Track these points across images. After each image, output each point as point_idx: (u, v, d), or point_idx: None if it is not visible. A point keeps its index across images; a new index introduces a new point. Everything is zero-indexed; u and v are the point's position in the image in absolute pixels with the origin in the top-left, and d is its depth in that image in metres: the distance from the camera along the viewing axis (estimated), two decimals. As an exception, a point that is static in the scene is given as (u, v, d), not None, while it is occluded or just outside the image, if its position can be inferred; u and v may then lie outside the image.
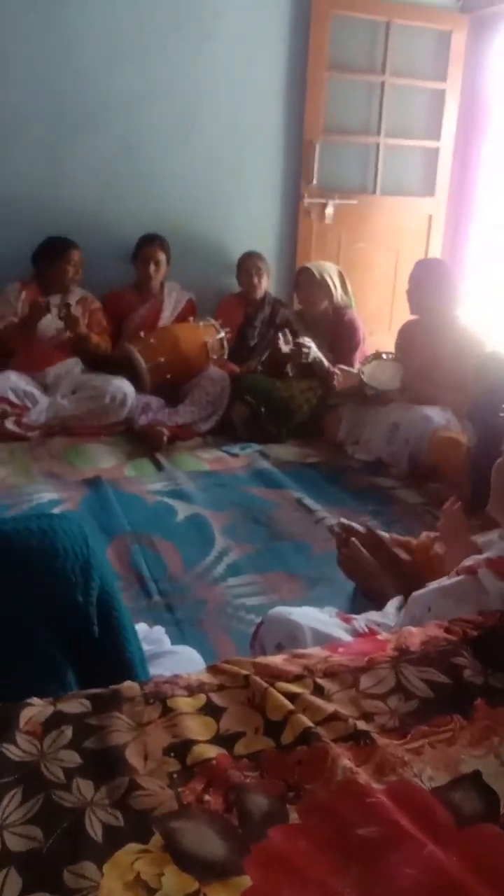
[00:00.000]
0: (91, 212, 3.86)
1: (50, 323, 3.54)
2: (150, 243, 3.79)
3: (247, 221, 4.16)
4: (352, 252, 4.35)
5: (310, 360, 3.60)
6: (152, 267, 3.79)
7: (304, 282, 3.77)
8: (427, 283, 3.30)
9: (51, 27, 3.58)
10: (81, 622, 1.03)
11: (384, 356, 3.47)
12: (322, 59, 4.01)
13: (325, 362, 3.63)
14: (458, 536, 1.80)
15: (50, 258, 3.60)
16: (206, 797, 0.83)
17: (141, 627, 1.75)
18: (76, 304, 3.63)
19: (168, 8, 3.73)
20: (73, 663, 1.04)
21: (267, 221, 4.24)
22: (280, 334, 3.64)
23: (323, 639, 1.48)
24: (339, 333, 3.79)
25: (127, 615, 1.12)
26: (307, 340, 3.62)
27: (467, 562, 1.37)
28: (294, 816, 0.81)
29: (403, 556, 2.01)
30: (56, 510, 2.71)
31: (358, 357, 3.73)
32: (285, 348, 3.58)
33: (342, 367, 3.55)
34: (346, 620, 1.64)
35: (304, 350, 3.57)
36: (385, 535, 2.15)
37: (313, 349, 3.61)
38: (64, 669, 1.03)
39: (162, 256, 3.80)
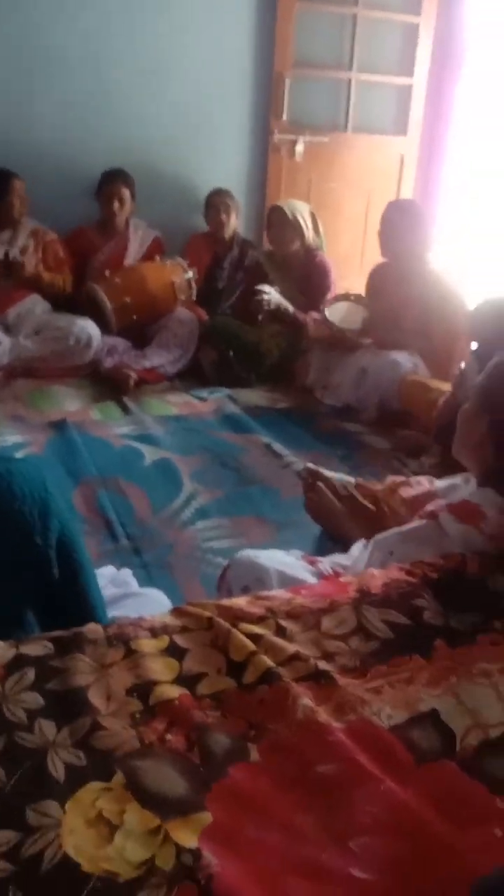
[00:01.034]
0: (56, 148, 3.71)
1: None
2: (113, 179, 3.66)
3: (215, 157, 4.05)
4: (322, 192, 4.26)
5: (271, 307, 3.56)
6: (116, 204, 3.67)
7: (275, 221, 3.70)
8: (398, 225, 3.25)
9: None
10: (40, 564, 1.03)
11: (351, 297, 3.45)
12: (294, -12, 3.86)
13: (290, 308, 3.59)
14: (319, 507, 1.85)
15: None
16: (168, 736, 0.84)
17: (108, 570, 1.76)
18: (25, 242, 3.51)
19: None
20: (33, 605, 1.04)
21: (236, 158, 4.13)
22: (266, 287, 3.58)
23: (289, 581, 1.49)
24: (310, 276, 3.74)
25: (87, 558, 1.11)
26: (265, 288, 3.57)
27: (429, 506, 1.38)
28: (255, 755, 0.83)
29: (368, 505, 2.02)
30: (21, 453, 2.68)
31: (328, 300, 3.69)
32: (272, 305, 3.54)
33: (314, 315, 3.51)
34: (312, 563, 1.66)
35: (264, 297, 3.52)
36: (352, 480, 2.16)
37: (273, 296, 3.56)
38: (24, 611, 1.03)
39: (126, 193, 3.68)
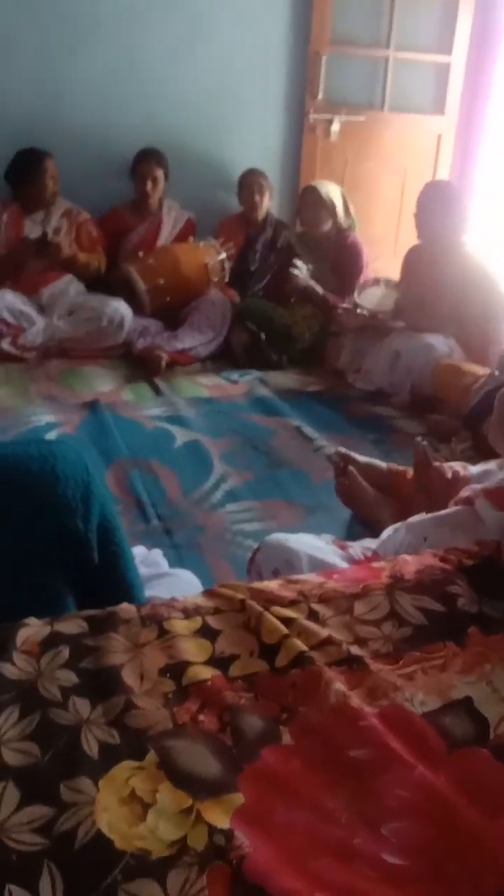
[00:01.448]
0: (90, 127, 3.71)
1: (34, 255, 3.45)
2: (146, 159, 3.65)
3: (250, 138, 4.01)
4: (358, 171, 4.21)
5: (301, 285, 3.54)
6: (149, 184, 3.66)
7: (309, 202, 3.66)
8: (434, 206, 3.20)
9: None
10: (81, 548, 1.03)
11: (381, 282, 3.42)
12: (332, -36, 3.80)
13: (319, 290, 3.56)
14: (434, 489, 1.80)
15: (24, 174, 3.43)
16: (201, 717, 0.85)
17: (139, 550, 1.77)
18: (58, 223, 3.51)
19: None
20: (72, 589, 1.04)
21: (270, 138, 4.08)
22: (299, 265, 3.55)
23: (319, 565, 1.49)
24: (342, 257, 3.70)
25: (126, 543, 1.12)
26: (299, 264, 3.54)
27: (464, 492, 1.36)
28: (287, 738, 0.83)
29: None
30: (54, 433, 2.70)
31: (362, 281, 3.65)
32: (303, 283, 3.52)
33: (346, 306, 3.47)
34: (343, 547, 1.65)
35: (293, 272, 3.50)
36: (383, 464, 2.15)
37: (304, 277, 3.54)
38: (64, 595, 1.03)
39: (159, 173, 3.66)
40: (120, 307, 3.44)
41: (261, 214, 3.87)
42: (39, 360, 3.38)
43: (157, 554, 1.79)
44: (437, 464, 1.99)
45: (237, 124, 3.97)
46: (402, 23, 4.03)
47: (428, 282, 3.25)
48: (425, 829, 0.73)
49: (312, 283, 3.57)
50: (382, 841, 0.72)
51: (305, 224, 3.76)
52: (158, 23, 3.68)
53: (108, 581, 1.08)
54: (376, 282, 3.43)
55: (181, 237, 3.79)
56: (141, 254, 3.61)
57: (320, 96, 4.00)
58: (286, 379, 3.44)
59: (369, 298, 3.36)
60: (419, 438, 2.09)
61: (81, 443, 2.61)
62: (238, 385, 3.33)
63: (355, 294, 3.40)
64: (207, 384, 3.33)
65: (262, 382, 3.36)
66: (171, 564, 1.81)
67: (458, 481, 1.78)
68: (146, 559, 1.72)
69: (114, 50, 3.65)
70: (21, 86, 3.57)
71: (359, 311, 3.33)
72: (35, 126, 3.56)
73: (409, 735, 0.82)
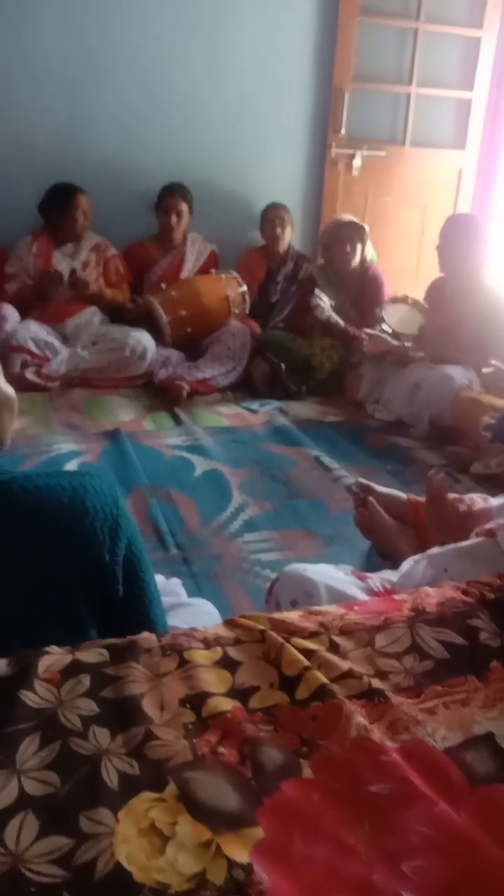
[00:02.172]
0: (114, 160, 3.79)
1: (61, 286, 3.52)
2: (172, 193, 3.72)
3: (272, 172, 4.08)
4: (379, 206, 4.25)
5: (323, 317, 3.56)
6: (174, 218, 3.73)
7: (359, 239, 3.67)
8: (456, 240, 3.22)
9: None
10: (107, 581, 1.03)
11: (409, 300, 3.43)
12: (354, 3, 3.87)
13: (342, 323, 3.59)
14: (447, 520, 1.79)
15: (57, 207, 3.52)
16: (221, 749, 0.84)
17: (157, 579, 1.76)
18: (87, 257, 3.58)
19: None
20: (97, 621, 1.04)
21: (293, 172, 4.15)
22: (320, 297, 3.59)
23: (338, 596, 1.48)
24: (364, 289, 3.73)
25: (151, 576, 1.12)
26: (321, 295, 3.57)
27: (488, 525, 1.36)
28: (307, 771, 0.82)
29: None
30: (75, 462, 2.73)
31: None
32: (324, 316, 3.54)
33: (369, 331, 3.49)
34: (362, 579, 1.65)
35: (316, 304, 3.53)
36: (403, 495, 2.14)
37: (325, 308, 3.56)
38: (88, 627, 1.03)
39: (184, 207, 3.73)
40: (143, 338, 3.49)
41: (282, 247, 3.91)
42: (62, 389, 3.42)
43: (176, 583, 1.79)
44: (453, 495, 1.98)
45: (260, 159, 4.04)
46: (424, 59, 4.10)
47: (450, 314, 3.27)
48: (446, 867, 0.72)
49: (335, 316, 3.59)
50: (402, 878, 0.71)
51: (337, 260, 3.75)
52: (183, 60, 3.77)
53: (131, 614, 1.07)
54: (403, 299, 3.45)
55: (204, 269, 3.84)
56: (164, 285, 3.66)
57: (343, 131, 4.07)
58: (306, 409, 3.45)
59: (394, 315, 3.38)
60: (433, 471, 2.10)
61: (103, 471, 2.63)
62: (258, 415, 3.35)
63: (381, 311, 3.42)
64: (227, 414, 3.35)
65: (281, 412, 3.37)
66: (190, 594, 1.80)
67: (472, 514, 1.77)
68: (165, 588, 1.72)
69: (138, 85, 3.75)
70: (50, 121, 3.66)
71: (383, 326, 3.33)
72: (63, 160, 3.65)
73: (431, 770, 0.82)
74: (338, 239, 3.69)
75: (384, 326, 3.35)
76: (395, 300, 3.49)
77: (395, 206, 4.29)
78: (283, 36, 3.89)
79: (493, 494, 1.94)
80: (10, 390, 1.09)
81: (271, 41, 3.88)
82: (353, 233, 3.66)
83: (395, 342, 3.39)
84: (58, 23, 3.54)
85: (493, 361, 2.71)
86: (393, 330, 3.34)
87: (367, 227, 3.70)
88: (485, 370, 2.80)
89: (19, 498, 1.00)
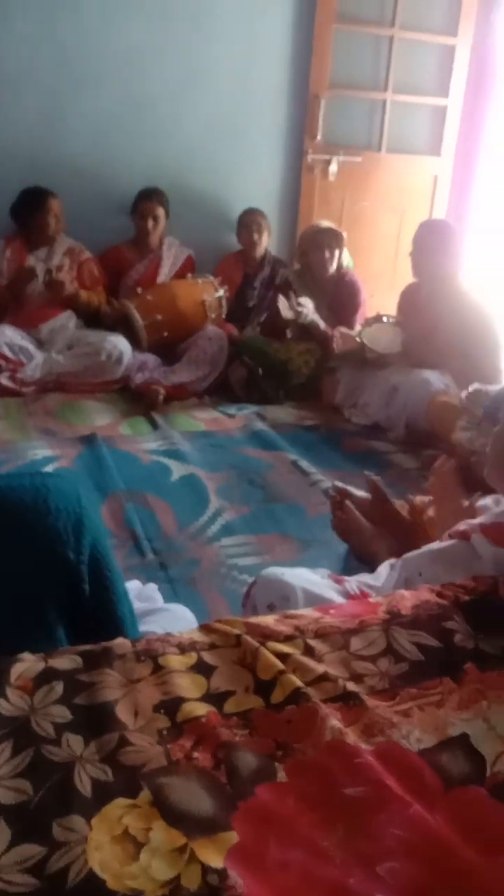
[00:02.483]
0: (89, 164, 3.78)
1: (35, 286, 3.49)
2: (148, 198, 3.72)
3: (249, 177, 4.09)
4: (355, 211, 4.28)
5: (306, 321, 3.57)
6: (150, 222, 3.72)
7: (336, 245, 3.68)
8: (429, 245, 3.25)
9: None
10: (72, 580, 1.03)
11: (384, 319, 3.44)
12: (330, 11, 3.90)
13: (322, 325, 3.60)
14: (448, 495, 1.80)
15: (29, 211, 3.50)
16: (195, 754, 0.84)
17: (134, 584, 1.76)
18: (61, 261, 3.58)
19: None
20: (64, 621, 1.04)
21: (269, 178, 4.16)
22: (281, 299, 3.59)
23: (315, 600, 1.48)
24: (340, 294, 3.75)
25: (118, 574, 1.11)
26: (304, 301, 3.58)
27: (460, 526, 1.36)
28: (282, 775, 0.82)
29: (404, 514, 2.01)
30: (51, 467, 2.71)
31: (359, 318, 3.69)
32: (288, 314, 3.54)
33: (342, 329, 3.51)
34: (339, 582, 1.65)
35: (299, 309, 3.54)
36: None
37: (307, 311, 3.57)
38: (55, 626, 1.03)
39: (160, 211, 3.73)
40: (119, 342, 3.47)
41: (259, 252, 3.92)
42: (37, 394, 3.40)
43: (153, 588, 1.79)
44: (427, 498, 1.99)
45: (237, 164, 4.05)
46: (400, 66, 4.14)
47: (424, 318, 3.29)
48: (421, 869, 0.72)
49: (317, 317, 3.60)
50: (377, 881, 0.71)
51: (315, 266, 3.74)
52: (160, 64, 3.77)
53: (99, 612, 1.07)
54: (378, 318, 3.46)
55: (181, 274, 3.83)
56: (140, 290, 3.65)
57: (319, 137, 4.09)
58: (283, 413, 3.46)
59: (378, 341, 3.36)
60: (368, 474, 2.14)
61: (78, 476, 2.61)
62: (235, 419, 3.35)
63: (358, 329, 3.43)
64: (204, 418, 3.35)
65: (258, 417, 3.37)
66: (167, 599, 1.80)
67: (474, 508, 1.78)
68: (141, 594, 1.71)
69: (114, 91, 3.74)
70: (26, 124, 3.64)
71: (368, 356, 3.35)
72: (38, 164, 3.63)
73: (405, 773, 0.82)
74: (316, 245, 3.70)
75: (367, 347, 3.35)
76: (368, 322, 3.47)
77: (371, 212, 4.32)
78: (259, 42, 3.90)
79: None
80: None
81: (248, 47, 3.89)
82: (332, 239, 3.67)
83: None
84: (34, 27, 3.53)
85: (473, 385, 2.74)
86: (375, 352, 3.34)
87: (344, 234, 3.72)
88: (463, 394, 2.83)
89: None
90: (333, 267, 3.74)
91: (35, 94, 3.62)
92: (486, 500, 1.76)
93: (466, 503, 1.78)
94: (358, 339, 3.38)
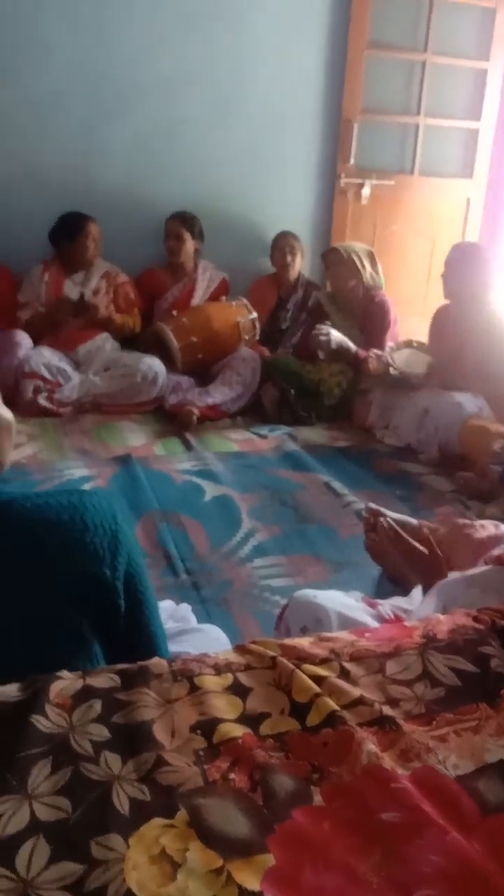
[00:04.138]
0: (125, 191, 3.85)
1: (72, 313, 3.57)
2: (172, 219, 3.78)
3: (282, 202, 4.13)
4: (387, 234, 4.30)
5: (332, 346, 3.58)
6: (173, 242, 3.78)
7: (331, 261, 3.76)
8: (460, 267, 3.25)
9: (92, 10, 3.58)
10: (108, 596, 1.04)
11: (414, 344, 3.47)
12: (363, 37, 3.95)
13: (352, 347, 3.61)
14: (457, 541, 1.79)
15: (68, 235, 3.58)
16: (232, 775, 0.84)
17: (167, 604, 1.77)
18: (97, 284, 3.64)
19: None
20: (99, 636, 1.05)
21: (303, 202, 4.21)
22: (316, 330, 3.62)
23: (348, 623, 1.48)
24: (370, 315, 3.76)
25: (151, 591, 1.13)
26: (323, 328, 3.60)
27: (496, 551, 1.36)
28: (318, 798, 0.82)
29: (422, 549, 1.99)
30: (87, 486, 2.74)
31: (389, 339, 3.70)
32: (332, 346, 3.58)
33: (376, 351, 3.52)
34: (372, 605, 1.64)
35: (322, 337, 3.56)
36: (414, 521, 2.14)
37: (333, 335, 3.58)
38: (90, 642, 1.04)
39: (184, 233, 3.77)
40: (153, 364, 3.52)
41: (292, 275, 3.96)
42: (74, 415, 3.45)
43: (186, 609, 1.80)
44: (465, 522, 1.98)
45: (271, 188, 4.10)
46: (432, 90, 4.17)
47: (455, 340, 3.29)
48: (459, 898, 0.72)
49: (346, 340, 3.61)
50: (415, 908, 0.71)
51: (332, 282, 3.83)
52: (193, 90, 3.84)
53: (133, 629, 1.09)
54: (408, 344, 3.48)
55: (215, 296, 3.88)
56: (175, 312, 3.70)
57: (352, 161, 4.12)
58: (315, 434, 3.46)
59: (400, 358, 3.41)
60: (367, 505, 2.13)
61: (113, 495, 2.64)
62: (267, 440, 3.36)
63: (387, 353, 3.45)
64: (237, 439, 3.37)
65: (291, 438, 3.38)
66: (199, 619, 1.80)
67: (484, 541, 1.77)
68: (175, 614, 1.72)
69: (149, 118, 3.82)
70: (62, 151, 3.73)
71: (391, 371, 3.37)
72: (74, 189, 3.71)
73: (442, 799, 0.81)
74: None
75: (393, 372, 3.39)
76: (400, 346, 3.52)
77: (403, 235, 4.33)
78: (293, 68, 3.96)
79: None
80: (8, 414, 1.11)
81: (282, 74, 3.95)
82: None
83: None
84: (68, 57, 3.62)
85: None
86: (401, 372, 3.37)
87: (369, 250, 3.75)
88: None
89: (18, 516, 1.02)
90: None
91: (70, 122, 3.71)
92: (485, 523, 1.76)
93: (478, 534, 1.77)
94: (390, 370, 3.40)
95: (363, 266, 3.70)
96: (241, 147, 3.98)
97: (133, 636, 1.09)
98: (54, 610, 1.02)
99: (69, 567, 1.02)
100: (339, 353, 3.63)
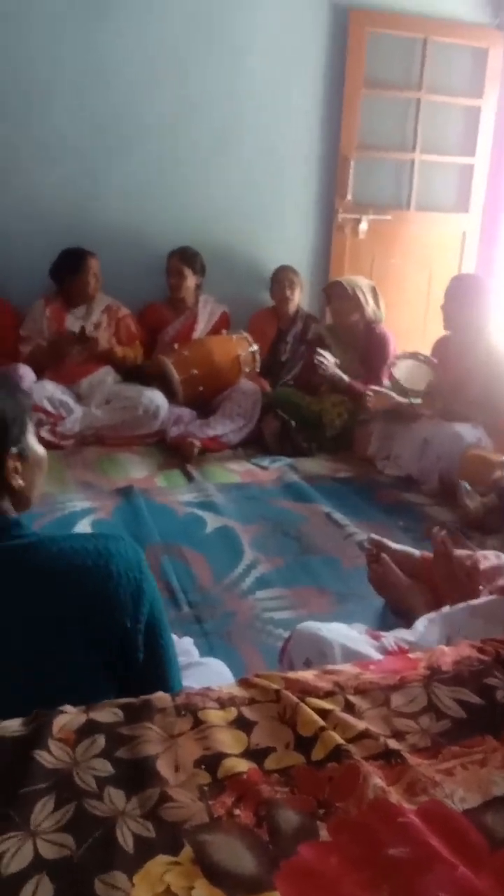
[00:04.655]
0: (128, 228, 3.91)
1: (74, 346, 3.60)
2: (173, 256, 3.84)
3: (281, 236, 4.19)
4: (385, 268, 4.35)
5: (326, 373, 3.61)
6: (174, 279, 3.83)
7: (335, 295, 3.79)
8: (460, 298, 3.28)
9: (88, 52, 3.66)
10: (127, 646, 1.03)
11: (420, 357, 3.48)
12: (358, 76, 4.04)
13: (346, 378, 3.63)
14: (448, 575, 1.79)
15: (69, 271, 3.62)
16: (237, 811, 0.84)
17: (170, 638, 1.76)
18: (99, 318, 3.68)
19: (203, 28, 3.78)
20: (114, 684, 1.04)
21: (301, 237, 4.26)
22: (318, 359, 3.64)
23: (352, 655, 1.47)
24: (371, 347, 3.79)
25: (171, 643, 1.10)
26: (325, 354, 3.63)
27: (500, 581, 1.36)
28: (324, 833, 0.81)
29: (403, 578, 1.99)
30: (89, 519, 2.74)
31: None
32: (328, 371, 3.61)
33: (374, 388, 3.53)
34: (376, 637, 1.63)
35: (319, 361, 3.58)
36: (416, 552, 2.14)
37: (330, 366, 3.61)
38: (106, 691, 1.03)
39: (185, 269, 3.82)
40: (155, 397, 3.54)
41: (292, 308, 4.00)
42: (76, 447, 3.46)
43: (188, 642, 1.78)
44: (461, 552, 1.98)
45: (270, 224, 4.15)
46: (426, 127, 4.25)
47: (456, 371, 3.31)
48: (469, 935, 0.71)
49: (338, 372, 3.64)
50: None
51: (334, 315, 3.87)
52: (192, 128, 3.92)
53: (149, 679, 1.06)
54: (414, 355, 3.50)
55: (216, 330, 3.91)
56: (176, 346, 3.73)
57: (349, 197, 4.18)
58: (316, 465, 3.47)
59: (403, 370, 3.42)
60: (436, 529, 2.10)
61: (115, 528, 2.64)
62: (268, 471, 3.36)
63: (390, 367, 3.48)
64: (238, 470, 3.37)
65: (292, 469, 3.39)
66: (202, 652, 1.79)
67: (479, 571, 1.77)
68: (177, 647, 1.70)
69: (149, 155, 3.88)
70: (65, 188, 3.79)
71: (393, 375, 3.38)
72: (77, 225, 3.77)
73: (450, 833, 0.80)
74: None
75: (394, 376, 3.41)
76: (404, 356, 3.55)
77: (400, 268, 4.38)
78: (290, 106, 4.04)
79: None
80: (41, 450, 1.11)
81: (279, 112, 4.02)
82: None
83: (401, 399, 3.42)
84: (71, 100, 3.70)
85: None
86: (401, 385, 3.38)
87: (371, 284, 3.79)
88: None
89: (42, 561, 1.01)
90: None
91: (73, 160, 3.78)
92: (487, 554, 1.75)
93: (469, 563, 1.77)
94: (392, 375, 3.42)
95: (366, 301, 3.74)
96: (241, 183, 4.05)
97: (148, 685, 1.07)
98: (71, 655, 1.01)
99: (90, 614, 1.01)
100: (334, 383, 3.65)
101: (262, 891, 0.74)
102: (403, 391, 3.39)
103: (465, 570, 1.87)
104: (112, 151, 3.82)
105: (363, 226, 4.24)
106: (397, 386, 3.41)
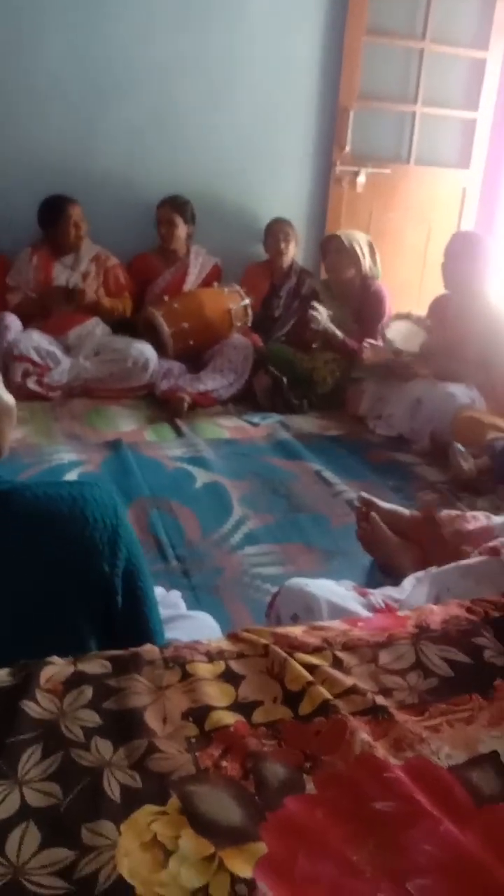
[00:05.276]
0: (120, 177, 3.82)
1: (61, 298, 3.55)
2: (163, 205, 3.75)
3: (277, 188, 4.10)
4: (382, 222, 4.28)
5: (320, 328, 3.57)
6: (164, 228, 3.75)
7: (332, 249, 3.73)
8: (463, 257, 3.24)
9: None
10: (106, 592, 1.03)
11: (412, 317, 3.45)
12: (360, 24, 3.91)
13: (338, 334, 3.60)
14: (434, 538, 1.80)
15: (50, 220, 3.54)
16: (224, 763, 0.84)
17: (157, 591, 1.76)
18: (87, 267, 3.62)
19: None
20: (96, 632, 1.04)
21: (298, 188, 4.18)
22: (311, 312, 3.60)
23: (339, 612, 1.48)
24: (366, 303, 3.74)
25: (151, 588, 1.11)
26: (318, 307, 3.58)
27: (491, 542, 1.36)
28: (311, 787, 0.82)
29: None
30: (76, 471, 2.73)
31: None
32: (320, 326, 3.56)
33: (371, 341, 3.50)
34: (363, 594, 1.64)
35: (314, 312, 3.54)
36: (406, 511, 2.14)
37: (323, 317, 3.57)
38: (87, 637, 1.03)
39: (176, 218, 3.74)
40: (145, 349, 3.50)
41: (286, 262, 3.93)
42: (64, 399, 3.43)
43: (176, 595, 1.79)
44: (450, 513, 1.98)
45: (265, 174, 4.07)
46: (429, 79, 4.14)
47: (454, 330, 3.28)
48: (452, 887, 0.72)
49: (332, 326, 3.60)
50: (407, 897, 0.70)
51: (328, 270, 3.82)
52: (188, 76, 3.81)
53: (131, 624, 1.07)
54: (406, 316, 3.47)
55: (207, 282, 3.85)
56: (166, 298, 3.67)
57: (347, 149, 4.10)
58: (307, 423, 3.45)
59: (396, 332, 3.39)
60: (424, 492, 2.11)
61: (103, 481, 2.63)
62: (259, 428, 3.35)
63: (383, 329, 3.44)
64: (229, 426, 3.35)
65: (283, 426, 3.37)
66: (189, 606, 1.80)
67: (466, 532, 1.78)
68: (164, 600, 1.71)
69: (143, 103, 3.78)
70: (55, 136, 3.69)
71: (387, 338, 3.36)
72: (67, 173, 3.68)
73: (436, 789, 0.81)
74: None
75: (387, 338, 3.37)
76: (398, 317, 3.51)
77: (398, 224, 4.32)
78: (289, 54, 3.92)
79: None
80: (9, 398, 1.09)
81: (277, 59, 3.91)
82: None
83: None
84: (63, 45, 3.58)
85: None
86: (395, 346, 3.35)
87: (369, 238, 3.73)
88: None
89: (18, 507, 1.00)
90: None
91: (63, 106, 3.67)
92: (477, 514, 1.76)
93: (456, 525, 1.78)
94: (386, 338, 3.39)
95: (363, 255, 3.69)
96: (236, 133, 3.95)
97: (130, 633, 1.07)
98: (50, 603, 1.01)
99: (68, 560, 1.00)
100: (328, 339, 3.62)
101: (248, 841, 0.74)
102: (397, 353, 3.37)
103: (451, 532, 1.88)
104: (106, 98, 3.71)
105: (361, 179, 4.16)
106: (390, 347, 3.37)
